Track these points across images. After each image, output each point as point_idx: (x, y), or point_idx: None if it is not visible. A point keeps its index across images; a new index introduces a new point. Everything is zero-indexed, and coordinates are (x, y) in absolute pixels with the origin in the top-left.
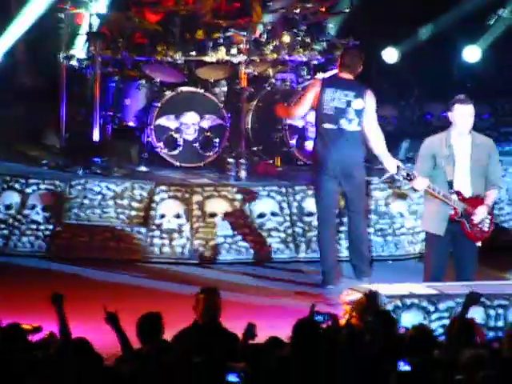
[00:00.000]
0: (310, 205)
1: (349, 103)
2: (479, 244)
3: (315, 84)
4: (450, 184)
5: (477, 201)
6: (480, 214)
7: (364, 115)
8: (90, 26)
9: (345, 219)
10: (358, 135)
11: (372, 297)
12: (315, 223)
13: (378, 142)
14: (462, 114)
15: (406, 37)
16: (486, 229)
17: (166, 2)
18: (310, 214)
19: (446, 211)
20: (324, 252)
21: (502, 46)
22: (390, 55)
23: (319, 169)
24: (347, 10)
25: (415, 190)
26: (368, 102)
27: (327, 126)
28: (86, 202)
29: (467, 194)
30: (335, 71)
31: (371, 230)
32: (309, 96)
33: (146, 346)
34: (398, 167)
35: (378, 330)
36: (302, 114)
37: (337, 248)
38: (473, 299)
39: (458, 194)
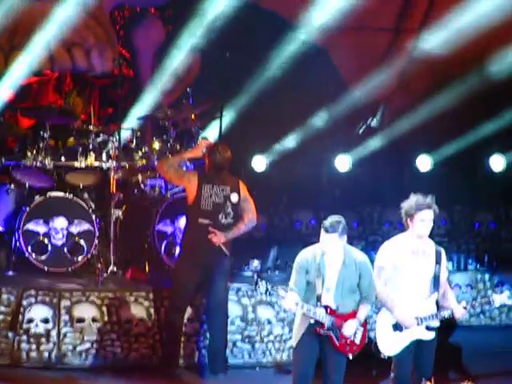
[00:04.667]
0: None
1: (227, 198)
2: (350, 356)
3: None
4: (318, 298)
5: (347, 315)
6: (350, 329)
7: None
8: None
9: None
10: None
11: None
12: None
13: None
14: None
15: (274, 144)
16: (358, 341)
17: (39, 102)
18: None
19: (308, 323)
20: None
21: (373, 155)
22: (260, 163)
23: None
24: (218, 117)
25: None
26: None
27: (203, 221)
28: None
29: (334, 307)
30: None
31: (239, 336)
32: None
33: None
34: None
35: None
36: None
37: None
38: None
39: (327, 307)
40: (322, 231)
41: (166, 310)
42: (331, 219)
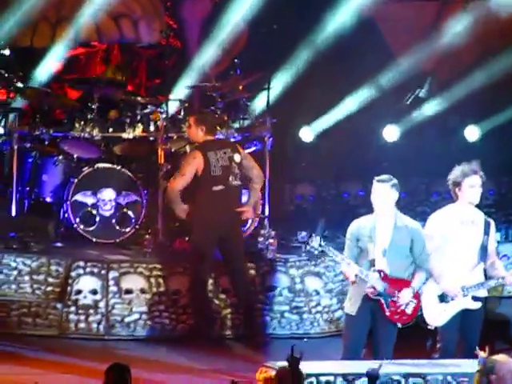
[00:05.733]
0: (221, 282)
1: (231, 159)
2: (399, 325)
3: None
4: (372, 262)
5: (401, 282)
6: (405, 297)
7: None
8: (8, 101)
9: None
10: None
11: (286, 374)
12: (229, 301)
13: None
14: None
15: (322, 115)
16: (409, 312)
17: (86, 77)
18: (224, 292)
19: (362, 290)
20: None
21: (421, 126)
22: (307, 134)
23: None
24: (265, 89)
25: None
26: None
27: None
28: (2, 277)
29: (387, 273)
30: (251, 149)
31: (286, 307)
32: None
33: None
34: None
35: None
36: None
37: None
38: (371, 378)
39: (380, 272)
40: (374, 183)
41: (190, 282)
42: (383, 175)
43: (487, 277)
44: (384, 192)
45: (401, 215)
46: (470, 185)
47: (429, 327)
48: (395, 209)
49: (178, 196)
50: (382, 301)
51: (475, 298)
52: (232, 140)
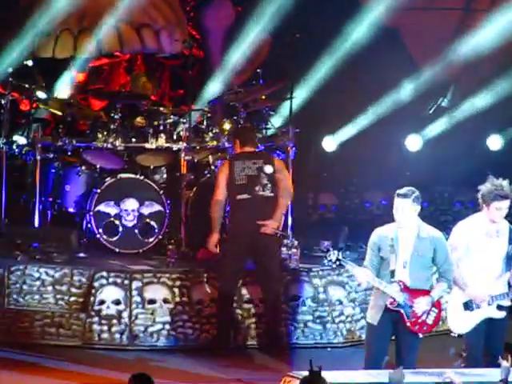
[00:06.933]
0: (246, 291)
1: (260, 169)
2: (420, 335)
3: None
4: (392, 273)
5: (421, 292)
6: (421, 306)
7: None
8: (31, 111)
9: None
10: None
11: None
12: (253, 311)
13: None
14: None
15: (345, 125)
16: (430, 322)
17: (110, 87)
18: (249, 301)
19: (383, 301)
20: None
21: (443, 135)
22: (329, 144)
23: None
24: (288, 98)
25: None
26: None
27: (241, 196)
28: (26, 287)
29: (407, 284)
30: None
31: (310, 317)
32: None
33: None
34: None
35: None
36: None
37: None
38: None
39: (400, 283)
40: (396, 198)
41: (217, 292)
42: (405, 188)
43: (511, 286)
44: (405, 207)
45: (423, 225)
46: (498, 207)
47: (452, 335)
48: (418, 219)
49: (217, 209)
50: (403, 312)
51: (499, 307)
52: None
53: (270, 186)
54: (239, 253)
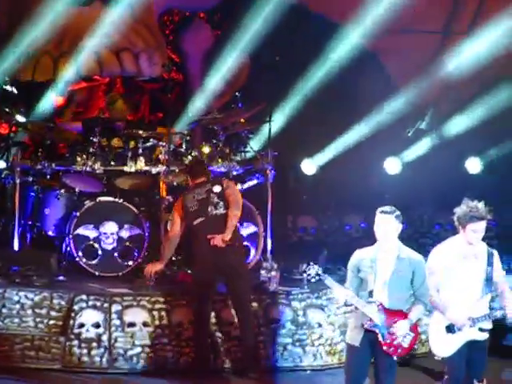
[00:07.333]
0: (225, 314)
1: (209, 191)
2: (395, 358)
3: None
4: (371, 293)
5: (398, 313)
6: (402, 329)
7: None
8: (10, 135)
9: None
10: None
11: None
12: (234, 333)
13: None
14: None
15: (323, 148)
16: (406, 345)
17: (88, 113)
18: (229, 324)
19: (362, 321)
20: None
21: (422, 158)
22: (309, 167)
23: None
24: (267, 121)
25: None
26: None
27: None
28: (5, 311)
29: (386, 305)
30: (253, 182)
31: (289, 339)
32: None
33: None
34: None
35: None
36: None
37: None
38: None
39: (378, 304)
40: (378, 214)
41: (192, 315)
42: (387, 206)
43: (491, 308)
44: (387, 223)
45: (403, 247)
46: (474, 230)
47: (436, 358)
48: (398, 241)
49: (167, 245)
50: (378, 332)
51: (481, 330)
52: (234, 173)
53: (221, 203)
54: (206, 275)
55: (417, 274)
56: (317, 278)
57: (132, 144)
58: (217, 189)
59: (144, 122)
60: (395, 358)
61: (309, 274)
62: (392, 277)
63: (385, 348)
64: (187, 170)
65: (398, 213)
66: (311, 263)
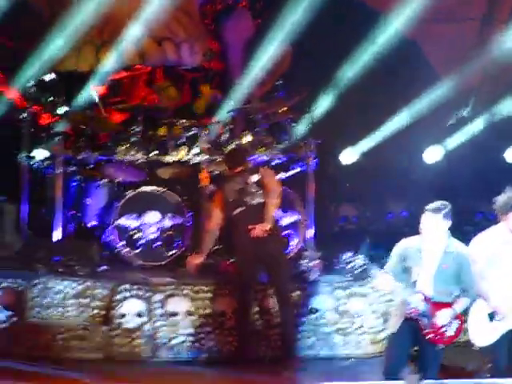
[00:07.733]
0: (267, 303)
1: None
2: (441, 346)
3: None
4: (415, 284)
5: (444, 305)
6: (443, 318)
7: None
8: (52, 125)
9: None
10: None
11: None
12: (275, 321)
13: None
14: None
15: (365, 136)
16: (452, 333)
17: (131, 100)
18: (271, 312)
19: (404, 310)
20: None
21: (465, 146)
22: (351, 155)
23: None
24: (308, 111)
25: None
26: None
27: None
28: (47, 301)
29: (430, 295)
30: (295, 170)
31: (330, 328)
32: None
33: None
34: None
35: None
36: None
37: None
38: None
39: (422, 294)
40: (426, 212)
41: (235, 305)
42: (436, 202)
43: None
44: (435, 223)
45: (452, 240)
46: None
47: (474, 348)
48: (447, 233)
49: (207, 237)
50: (422, 321)
51: None
52: (276, 161)
53: (259, 193)
54: (248, 265)
55: (463, 268)
56: (363, 267)
57: (176, 133)
58: (254, 178)
59: (190, 110)
60: (441, 346)
61: (354, 265)
62: (438, 270)
63: (430, 336)
64: (225, 160)
65: (446, 210)
66: (355, 253)
